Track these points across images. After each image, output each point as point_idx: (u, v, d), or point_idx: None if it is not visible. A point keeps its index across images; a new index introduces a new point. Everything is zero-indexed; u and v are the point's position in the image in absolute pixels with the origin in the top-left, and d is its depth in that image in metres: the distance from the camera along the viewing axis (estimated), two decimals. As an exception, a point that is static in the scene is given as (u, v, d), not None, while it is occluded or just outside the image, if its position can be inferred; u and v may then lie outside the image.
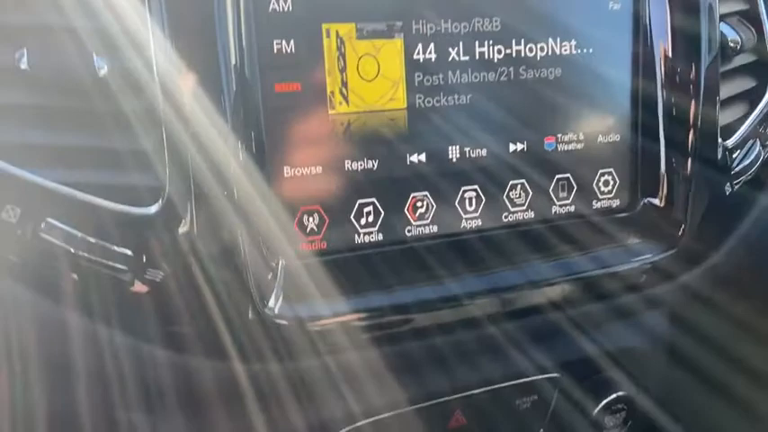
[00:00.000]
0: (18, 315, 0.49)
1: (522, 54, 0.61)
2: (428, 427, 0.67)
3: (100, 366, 0.50)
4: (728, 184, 0.70)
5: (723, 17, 0.69)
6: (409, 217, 0.60)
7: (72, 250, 0.48)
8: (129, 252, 0.49)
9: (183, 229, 0.49)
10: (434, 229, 0.61)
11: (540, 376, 0.72)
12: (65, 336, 0.49)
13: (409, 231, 0.60)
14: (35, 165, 0.48)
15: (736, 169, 0.70)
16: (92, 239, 0.48)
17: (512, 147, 0.63)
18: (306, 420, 0.62)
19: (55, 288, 0.48)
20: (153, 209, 0.49)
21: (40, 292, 0.49)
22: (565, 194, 0.66)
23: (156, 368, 0.52)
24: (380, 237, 0.59)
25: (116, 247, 0.49)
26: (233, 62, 0.51)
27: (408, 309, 0.57)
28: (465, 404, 0.69)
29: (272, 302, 0.53)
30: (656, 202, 0.67)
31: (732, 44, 0.69)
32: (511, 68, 0.61)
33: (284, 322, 0.52)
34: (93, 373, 0.50)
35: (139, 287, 0.49)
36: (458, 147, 0.61)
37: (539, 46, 0.62)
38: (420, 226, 0.61)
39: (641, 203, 0.67)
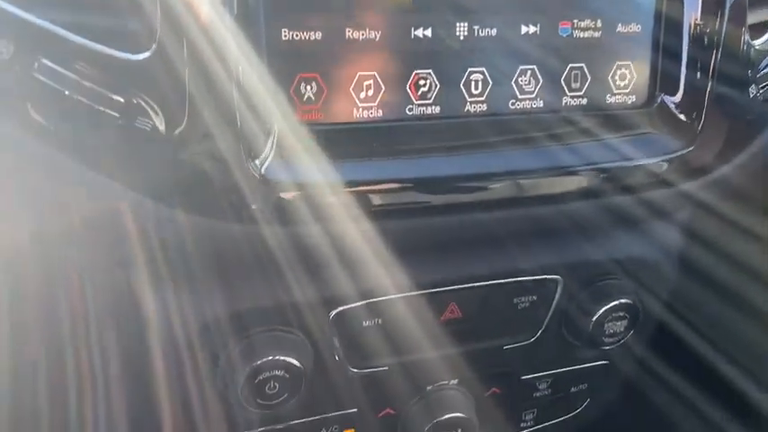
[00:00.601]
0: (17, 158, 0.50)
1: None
2: (420, 317, 0.67)
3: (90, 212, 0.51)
4: (753, 86, 0.66)
5: None
6: (411, 95, 0.58)
7: (66, 92, 0.48)
8: (121, 99, 0.49)
9: (174, 78, 0.48)
10: (437, 110, 0.59)
11: (542, 276, 0.70)
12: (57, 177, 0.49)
13: (410, 110, 0.59)
14: (30, 3, 0.48)
15: (763, 71, 0.66)
16: (86, 83, 0.48)
17: (524, 29, 0.60)
18: (295, 296, 0.62)
19: (47, 131, 0.49)
20: (145, 55, 0.49)
21: (35, 134, 0.49)
22: (577, 85, 0.63)
23: (145, 221, 0.52)
24: (380, 113, 0.58)
25: (109, 93, 0.48)
26: None
27: (403, 184, 0.56)
28: (461, 297, 0.68)
29: (261, 162, 0.52)
30: (673, 99, 0.64)
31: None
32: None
33: (272, 182, 0.52)
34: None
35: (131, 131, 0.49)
36: (466, 24, 0.58)
37: None
38: (422, 105, 0.59)
39: (658, 100, 0.64)
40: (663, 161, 0.63)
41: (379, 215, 0.57)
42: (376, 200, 0.56)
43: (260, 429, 0.69)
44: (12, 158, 0.51)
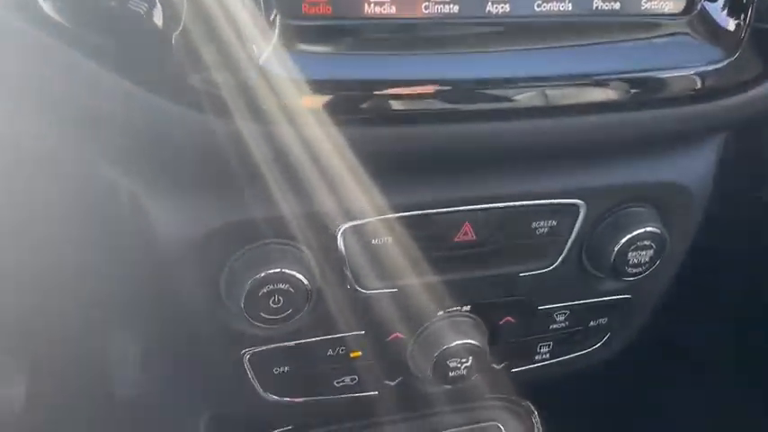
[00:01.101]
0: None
1: None
2: (432, 237, 0.64)
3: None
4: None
5: None
6: (428, -9, 0.54)
7: None
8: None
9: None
10: (455, 9, 0.54)
11: (563, 200, 0.67)
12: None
13: (426, 8, 0.54)
14: None
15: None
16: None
17: None
18: (301, 208, 0.60)
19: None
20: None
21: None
22: (610, -12, 0.58)
23: (145, 118, 0.50)
24: (393, 9, 0.53)
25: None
26: None
27: (414, 87, 0.53)
28: (475, 218, 0.65)
29: (263, 56, 0.49)
30: (714, 6, 0.59)
31: None
32: None
33: (275, 76, 0.49)
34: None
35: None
36: None
37: None
38: (439, 3, 0.54)
39: (698, 7, 0.59)
40: (700, 72, 0.57)
41: (387, 120, 0.54)
42: (385, 103, 0.52)
43: (264, 347, 0.67)
44: (11, 50, 0.49)
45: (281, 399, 0.73)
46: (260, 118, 0.50)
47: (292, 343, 0.68)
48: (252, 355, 0.68)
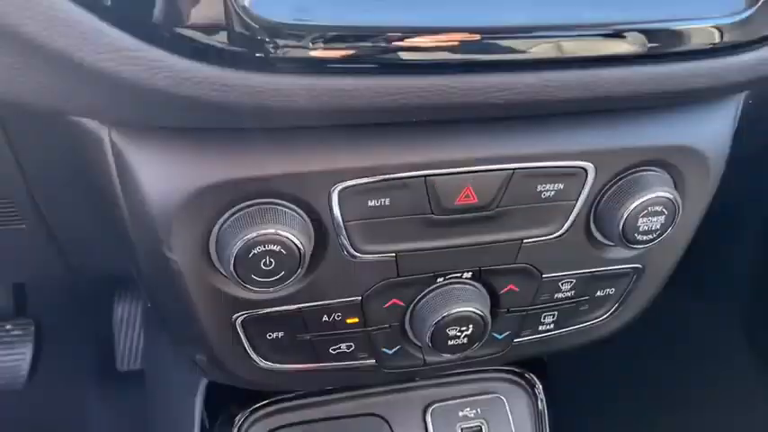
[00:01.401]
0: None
1: None
2: (431, 199, 0.61)
3: None
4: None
5: None
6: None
7: None
8: None
9: None
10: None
11: (571, 162, 0.63)
12: None
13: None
14: None
15: None
16: None
17: None
18: (293, 166, 0.57)
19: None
20: None
21: None
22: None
23: (125, 66, 0.47)
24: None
25: None
26: None
27: (419, 33, 0.49)
28: (477, 180, 0.62)
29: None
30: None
31: None
32: None
33: (262, 20, 0.46)
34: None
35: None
36: None
37: None
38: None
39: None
40: (718, 24, 0.54)
41: (388, 70, 0.50)
42: (387, 51, 0.49)
43: (256, 312, 0.65)
44: None
45: (276, 365, 0.71)
46: (249, 66, 0.47)
47: (285, 308, 0.66)
48: (244, 320, 0.66)
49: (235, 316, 0.65)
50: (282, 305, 0.66)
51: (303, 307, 0.66)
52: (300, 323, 0.67)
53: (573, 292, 0.73)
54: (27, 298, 1.67)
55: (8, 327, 1.72)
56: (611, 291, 0.75)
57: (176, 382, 0.98)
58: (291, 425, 0.84)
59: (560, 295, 0.73)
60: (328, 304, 0.67)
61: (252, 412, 0.85)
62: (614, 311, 0.77)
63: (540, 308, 0.73)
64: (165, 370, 1.08)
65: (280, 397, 0.85)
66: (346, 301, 0.67)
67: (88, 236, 0.74)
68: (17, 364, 1.66)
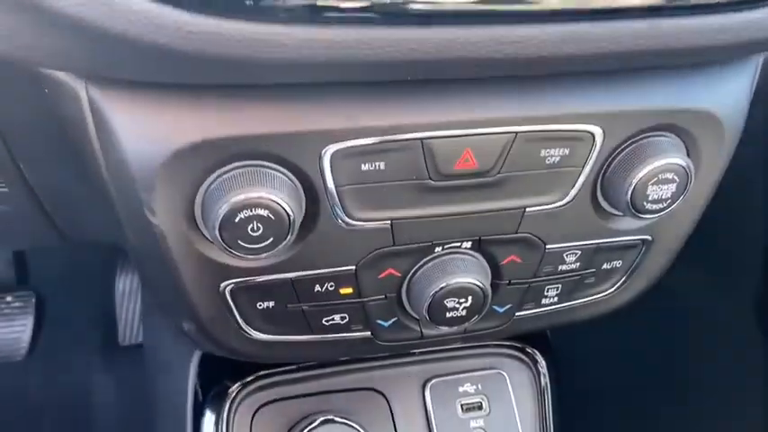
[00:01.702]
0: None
1: None
2: (428, 163, 0.58)
3: None
4: None
5: None
6: None
7: None
8: None
9: None
10: None
11: (577, 126, 0.60)
12: None
13: None
14: None
15: None
16: None
17: None
18: (282, 126, 0.54)
19: None
20: None
21: None
22: None
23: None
24: None
25: None
26: None
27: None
28: (477, 144, 0.58)
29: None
30: None
31: None
32: None
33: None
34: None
35: None
36: None
37: None
38: None
39: None
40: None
41: (383, 18, 0.47)
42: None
43: (245, 280, 0.62)
44: None
45: (268, 336, 0.69)
46: (242, 15, 0.44)
47: (276, 277, 0.63)
48: (233, 289, 0.63)
49: (223, 284, 0.63)
50: (272, 274, 0.63)
51: (294, 276, 0.64)
52: (292, 293, 0.65)
53: (578, 264, 0.70)
54: (29, 270, 1.66)
55: (9, 299, 1.72)
56: (618, 263, 0.72)
57: (172, 353, 0.96)
58: (287, 398, 0.82)
59: (565, 267, 0.70)
60: (320, 274, 0.64)
61: (246, 384, 0.83)
62: (621, 285, 0.74)
63: (544, 280, 0.70)
64: (161, 341, 1.06)
65: (274, 370, 0.83)
66: (339, 271, 0.64)
67: (74, 200, 0.71)
68: (18, 336, 1.66)
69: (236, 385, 0.84)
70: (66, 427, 1.66)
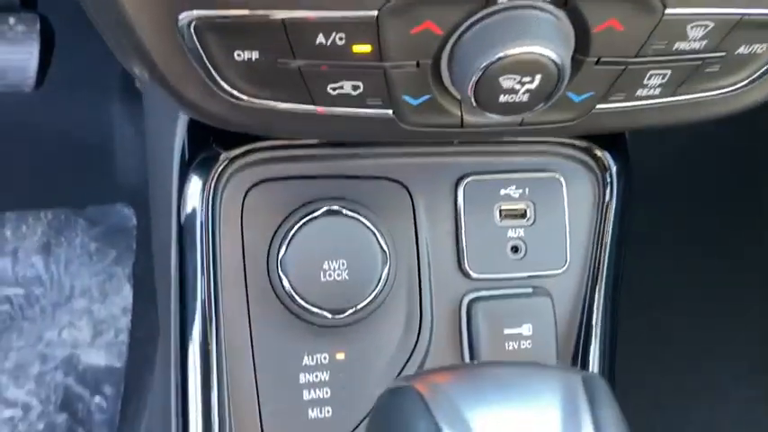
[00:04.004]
0: None
1: None
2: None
3: None
4: None
5: None
6: None
7: None
8: None
9: None
10: None
11: None
12: None
13: None
14: None
15: None
16: None
17: None
18: None
19: None
20: None
21: None
22: None
23: None
24: None
25: None
26: None
27: None
28: None
29: None
30: None
31: None
32: None
33: None
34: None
35: None
36: None
37: None
38: None
39: None
40: None
41: None
42: None
43: (216, 13, 0.42)
44: None
45: (254, 101, 0.51)
46: None
47: (259, 13, 0.43)
48: (198, 25, 0.44)
49: (182, 17, 0.44)
50: (255, 8, 0.43)
51: (287, 18, 0.44)
52: (284, 42, 0.45)
53: (704, 42, 0.47)
54: (37, -2, 1.49)
55: (12, 21, 1.56)
56: (760, 48, 0.49)
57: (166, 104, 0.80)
58: (286, 178, 0.67)
59: (684, 46, 0.47)
60: (325, 17, 0.44)
61: (239, 156, 0.67)
62: (756, 79, 0.52)
63: (649, 62, 0.48)
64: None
65: (274, 143, 0.66)
66: (354, 16, 0.43)
67: None
68: (24, 64, 1.53)
69: (228, 153, 0.68)
70: (77, 163, 1.60)
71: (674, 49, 0.48)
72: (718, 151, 0.91)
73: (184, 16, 0.43)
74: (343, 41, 0.45)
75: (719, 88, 0.53)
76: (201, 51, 0.46)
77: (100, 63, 1.59)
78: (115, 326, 1.61)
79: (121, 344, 1.61)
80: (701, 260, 1.01)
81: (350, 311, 0.65)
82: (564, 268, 0.70)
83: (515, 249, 0.69)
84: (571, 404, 0.37)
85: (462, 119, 0.53)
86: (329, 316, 0.65)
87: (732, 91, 0.53)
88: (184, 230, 0.69)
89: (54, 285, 1.63)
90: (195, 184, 0.68)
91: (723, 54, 0.49)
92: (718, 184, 0.98)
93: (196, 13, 0.43)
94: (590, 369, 0.69)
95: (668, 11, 0.45)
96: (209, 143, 0.68)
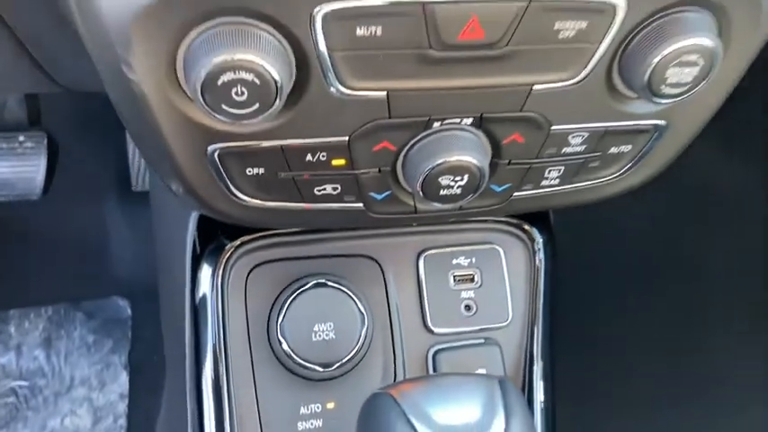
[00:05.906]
0: None
1: None
2: (430, 31, 0.53)
3: None
4: None
5: None
6: None
7: None
8: None
9: None
10: None
11: (597, -4, 0.54)
12: None
13: None
14: None
15: None
16: None
17: None
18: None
19: None
20: None
21: None
22: None
23: None
24: None
25: None
26: None
27: None
28: (485, 12, 0.53)
29: None
30: None
31: None
32: None
33: None
34: None
35: None
36: None
37: None
38: None
39: None
40: None
41: None
42: None
43: (235, 145, 0.60)
44: None
45: (260, 202, 0.67)
46: None
47: (265, 143, 0.61)
48: (221, 153, 0.61)
49: (210, 148, 0.61)
50: (262, 140, 0.60)
51: (284, 144, 0.61)
52: (282, 161, 0.63)
53: (584, 147, 0.66)
54: (41, 111, 1.65)
55: (21, 138, 1.73)
56: (626, 148, 0.68)
57: (175, 205, 0.97)
58: (281, 260, 0.83)
59: (569, 150, 0.66)
60: (311, 143, 0.61)
61: (242, 244, 0.84)
62: (627, 170, 0.70)
63: (546, 162, 0.67)
64: (165, 191, 1.07)
65: (271, 232, 0.83)
66: (331, 141, 0.61)
67: (56, 47, 0.68)
68: (32, 176, 1.69)
69: (233, 243, 0.84)
70: (78, 262, 1.73)
71: (562, 152, 0.66)
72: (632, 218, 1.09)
73: (212, 147, 0.60)
74: (325, 158, 0.63)
75: (602, 177, 0.71)
76: (222, 170, 0.63)
77: (99, 169, 1.75)
78: (114, 412, 1.70)
79: (120, 428, 1.70)
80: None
81: (337, 365, 0.80)
82: (508, 321, 0.86)
83: (468, 308, 0.86)
84: (491, 397, 0.55)
85: (416, 207, 0.70)
86: (321, 369, 0.80)
87: (612, 179, 0.71)
88: (198, 308, 0.84)
89: (55, 376, 1.72)
90: (206, 269, 0.84)
91: (599, 154, 0.68)
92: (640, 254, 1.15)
93: (221, 145, 0.60)
94: (534, 399, 0.85)
95: (554, 127, 0.63)
96: (216, 235, 0.85)
